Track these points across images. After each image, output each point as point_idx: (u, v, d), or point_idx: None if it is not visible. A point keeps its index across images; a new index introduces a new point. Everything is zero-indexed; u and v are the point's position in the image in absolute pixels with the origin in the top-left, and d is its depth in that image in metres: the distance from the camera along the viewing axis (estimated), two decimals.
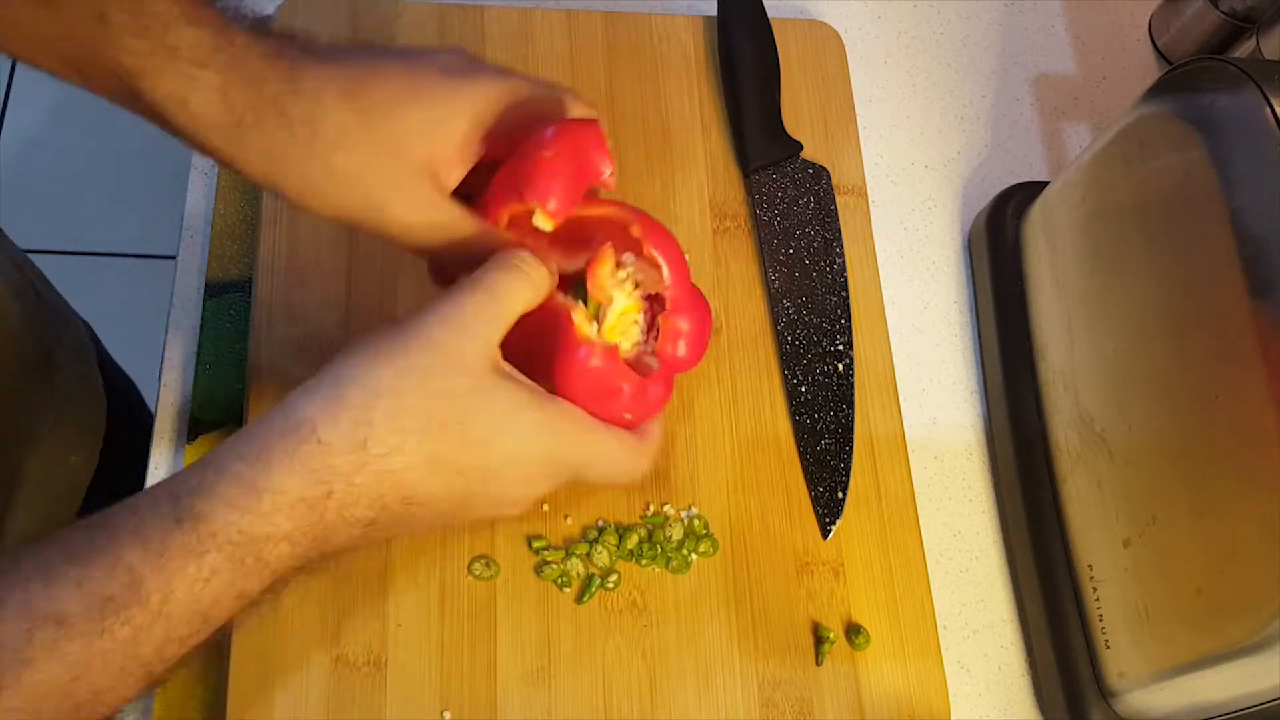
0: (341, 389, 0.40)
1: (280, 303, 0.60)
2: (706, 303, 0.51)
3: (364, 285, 0.62)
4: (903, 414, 0.64)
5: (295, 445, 0.39)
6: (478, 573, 0.56)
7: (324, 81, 0.44)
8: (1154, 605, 0.53)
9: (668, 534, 0.58)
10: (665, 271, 0.49)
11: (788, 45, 0.71)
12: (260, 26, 0.44)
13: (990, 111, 0.75)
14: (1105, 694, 0.57)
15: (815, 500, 0.61)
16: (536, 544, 0.57)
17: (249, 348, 0.60)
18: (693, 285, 0.51)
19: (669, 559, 0.58)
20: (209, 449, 0.59)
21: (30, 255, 0.72)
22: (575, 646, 0.56)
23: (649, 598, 0.57)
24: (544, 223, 0.46)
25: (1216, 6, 0.73)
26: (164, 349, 0.62)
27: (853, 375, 0.64)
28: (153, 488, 0.39)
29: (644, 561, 0.58)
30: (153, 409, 0.61)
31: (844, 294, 0.66)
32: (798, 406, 0.62)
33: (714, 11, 0.71)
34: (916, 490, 0.62)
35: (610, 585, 0.57)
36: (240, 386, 0.60)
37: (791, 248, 0.66)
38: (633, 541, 0.58)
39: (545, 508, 0.58)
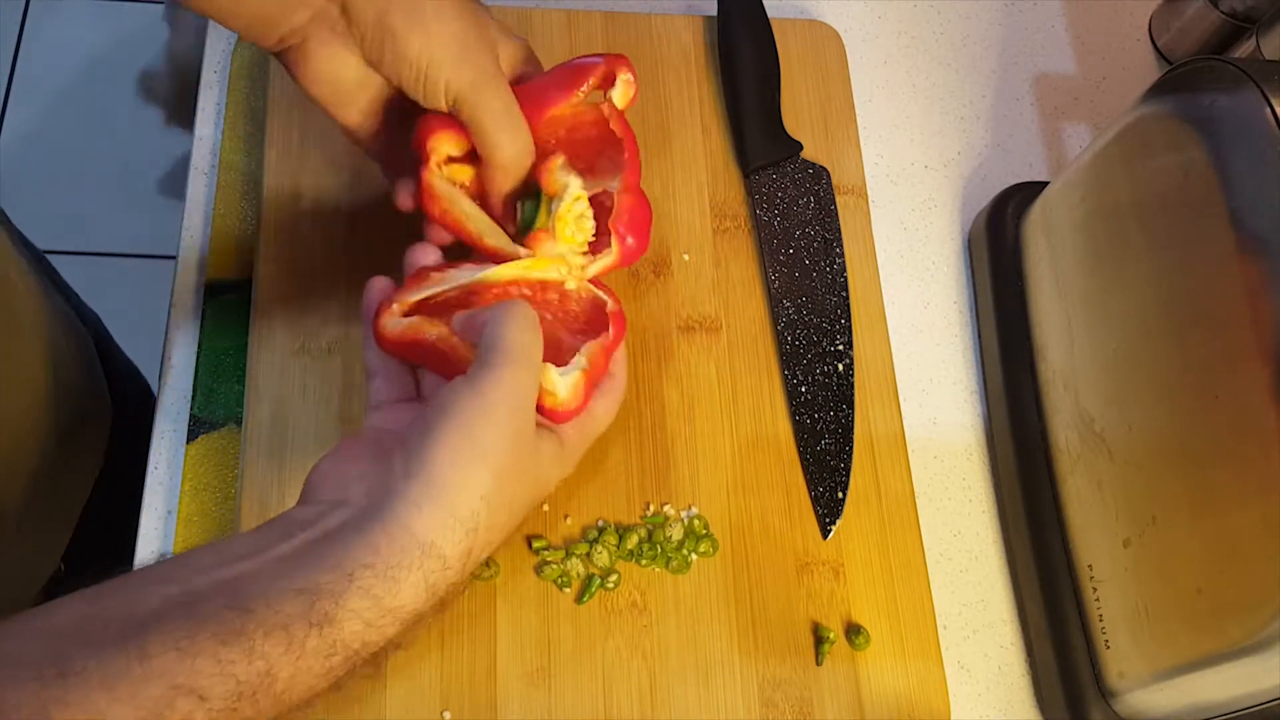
0: (450, 500, 0.42)
1: (280, 302, 0.60)
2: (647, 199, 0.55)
3: (364, 283, 0.61)
4: (903, 414, 0.64)
5: (422, 569, 0.41)
6: (477, 573, 0.56)
7: None
8: (1154, 605, 0.53)
9: (668, 534, 0.58)
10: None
11: (788, 45, 0.71)
12: None
13: (990, 111, 0.75)
14: (1105, 694, 0.57)
15: (815, 500, 0.61)
16: (536, 544, 0.57)
17: (249, 348, 0.60)
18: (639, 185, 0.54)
19: (669, 559, 0.58)
20: (209, 449, 0.59)
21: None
22: (575, 646, 0.56)
23: (649, 598, 0.57)
24: None
25: (1216, 6, 0.73)
26: (164, 349, 0.62)
27: (853, 375, 0.64)
28: (279, 562, 0.39)
29: (644, 561, 0.58)
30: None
31: (844, 294, 0.66)
32: (798, 406, 0.62)
33: (714, 11, 0.71)
34: (916, 490, 0.62)
35: (610, 585, 0.57)
36: (240, 386, 0.60)
37: (791, 248, 0.66)
38: (633, 541, 0.58)
39: (545, 508, 0.58)
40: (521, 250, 0.51)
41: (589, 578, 0.57)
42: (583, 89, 0.54)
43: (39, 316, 0.65)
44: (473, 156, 0.52)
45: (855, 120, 0.71)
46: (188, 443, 0.59)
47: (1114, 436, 0.56)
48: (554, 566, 0.57)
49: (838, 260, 0.67)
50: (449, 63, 0.49)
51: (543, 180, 0.51)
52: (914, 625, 0.59)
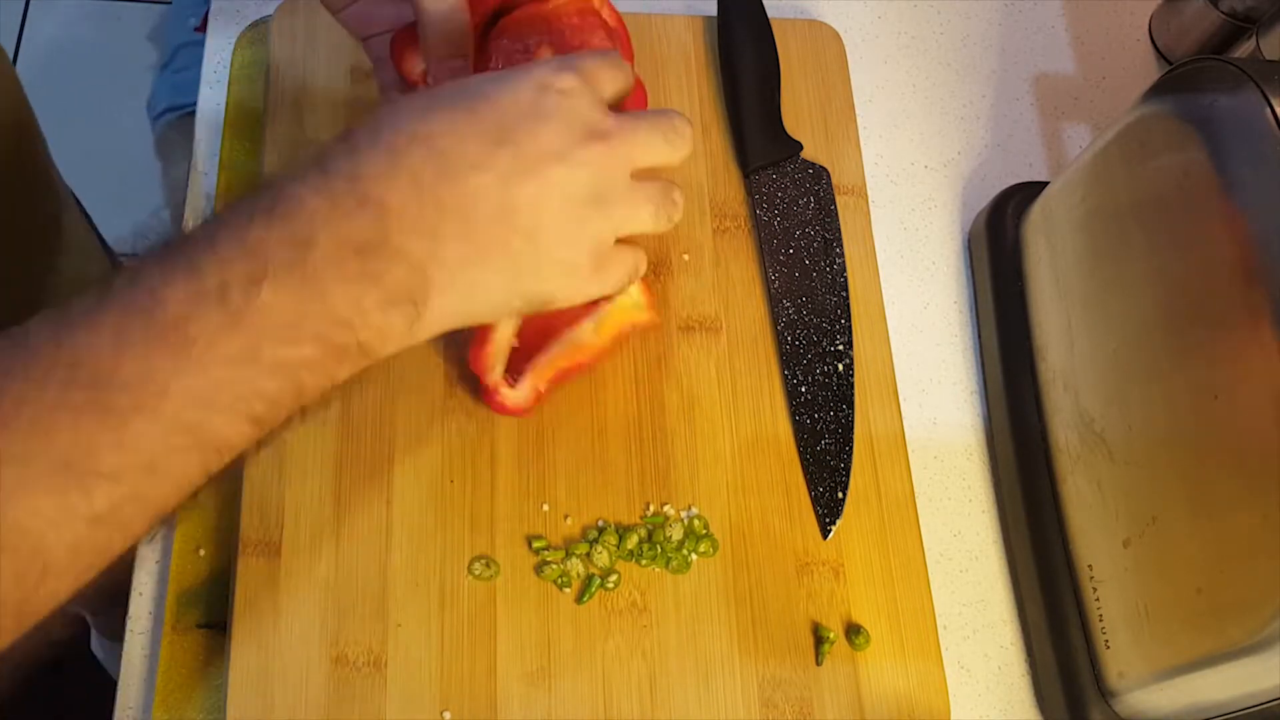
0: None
1: None
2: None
3: None
4: (903, 414, 0.64)
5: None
6: (478, 573, 0.56)
7: None
8: (1154, 605, 0.53)
9: (668, 534, 0.58)
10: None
11: (788, 45, 0.71)
12: None
13: (990, 111, 0.75)
14: (1105, 694, 0.57)
15: (815, 500, 0.61)
16: (536, 544, 0.57)
17: None
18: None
19: (669, 559, 0.58)
20: None
21: None
22: (575, 646, 0.56)
23: (649, 598, 0.57)
24: None
25: (1216, 6, 0.73)
26: None
27: (853, 375, 0.64)
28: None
29: (644, 561, 0.58)
30: None
31: (844, 294, 0.66)
32: (798, 406, 0.62)
33: (714, 11, 0.71)
34: (916, 490, 0.62)
35: (610, 585, 0.57)
36: None
37: (791, 248, 0.66)
38: (633, 541, 0.58)
39: (545, 508, 0.58)
40: None
41: (589, 578, 0.57)
42: None
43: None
44: None
45: (855, 120, 0.71)
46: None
47: (1114, 436, 0.56)
48: (554, 566, 0.57)
49: (838, 260, 0.66)
50: None
51: None
52: (914, 625, 0.59)
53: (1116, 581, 0.56)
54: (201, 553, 0.57)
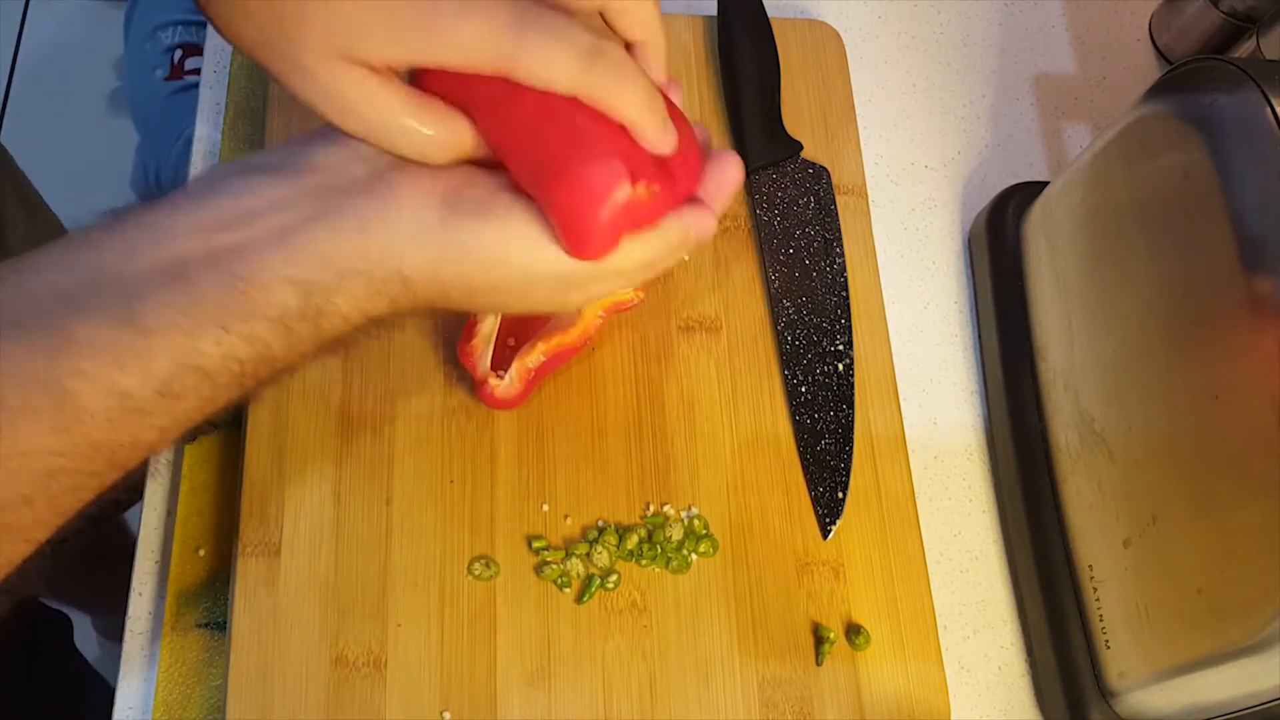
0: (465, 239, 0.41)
1: None
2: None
3: None
4: (903, 414, 0.64)
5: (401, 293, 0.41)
6: (477, 573, 0.56)
7: None
8: (1154, 605, 0.53)
9: (668, 534, 0.58)
10: None
11: (788, 45, 0.71)
12: None
13: (990, 111, 0.75)
14: (1105, 694, 0.57)
15: (815, 500, 0.61)
16: (536, 544, 0.57)
17: None
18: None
19: (669, 559, 0.58)
20: (209, 449, 0.59)
21: None
22: (575, 646, 0.56)
23: (649, 598, 0.57)
24: None
25: (1216, 6, 0.73)
26: None
27: (853, 375, 0.64)
28: (276, 239, 0.38)
29: (644, 561, 0.58)
30: None
31: (844, 294, 0.66)
32: (798, 406, 0.62)
33: (714, 11, 0.71)
34: (916, 490, 0.62)
35: (610, 585, 0.57)
36: None
37: (791, 248, 0.66)
38: (633, 541, 0.58)
39: (545, 508, 0.58)
40: None
41: (589, 578, 0.57)
42: None
43: None
44: None
45: (855, 120, 0.71)
46: (188, 443, 0.59)
47: (1114, 436, 0.56)
48: (554, 566, 0.57)
49: (838, 260, 0.66)
50: None
51: None
52: (914, 625, 0.59)
53: (1117, 581, 0.56)
54: (201, 553, 0.57)
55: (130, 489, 0.40)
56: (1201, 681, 0.51)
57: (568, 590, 0.57)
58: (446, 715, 0.54)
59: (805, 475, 0.61)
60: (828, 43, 0.72)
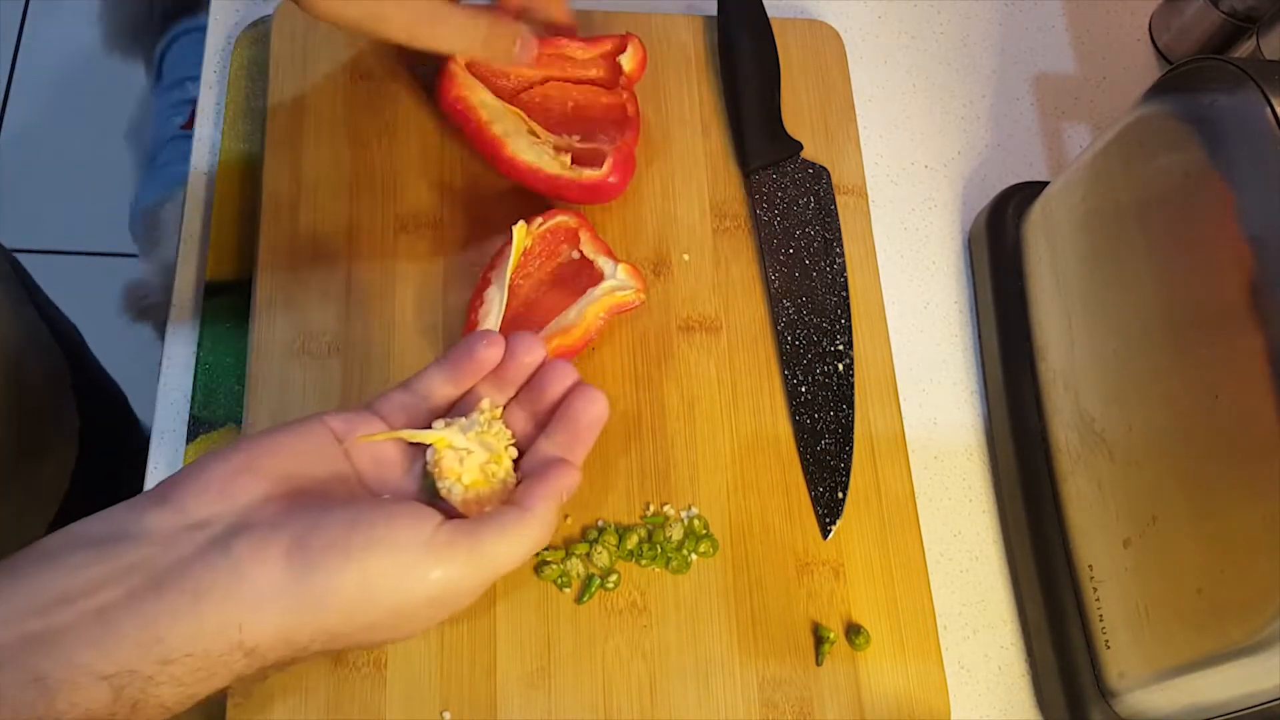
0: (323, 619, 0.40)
1: (280, 301, 0.60)
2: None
3: (364, 284, 0.62)
4: (903, 414, 0.64)
5: (242, 665, 0.39)
6: None
7: None
8: (1154, 605, 0.53)
9: (668, 534, 0.58)
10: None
11: (788, 45, 0.71)
12: None
13: (990, 111, 0.75)
14: (1105, 694, 0.56)
15: (815, 500, 0.61)
16: None
17: (249, 347, 0.60)
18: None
19: (669, 559, 0.58)
20: (208, 448, 0.59)
21: (26, 255, 0.72)
22: (575, 647, 0.56)
23: (649, 598, 0.57)
24: None
25: (1216, 6, 0.73)
26: (164, 349, 0.62)
27: (853, 375, 0.64)
28: (97, 619, 0.36)
29: (644, 561, 0.58)
30: (152, 409, 0.61)
31: (844, 294, 0.66)
32: (798, 406, 0.62)
33: (714, 11, 0.71)
34: (916, 490, 0.62)
35: (610, 585, 0.57)
36: (240, 387, 0.60)
37: (791, 248, 0.66)
38: (633, 541, 0.58)
39: None
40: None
41: (589, 578, 0.57)
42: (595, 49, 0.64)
43: (3, 336, 0.65)
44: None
45: (855, 120, 0.71)
46: (188, 443, 0.59)
47: (1114, 436, 0.56)
48: (554, 566, 0.57)
49: (838, 260, 0.66)
50: None
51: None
52: (914, 625, 0.59)
53: (1117, 581, 0.56)
54: None
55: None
56: (1201, 681, 0.51)
57: (568, 590, 0.57)
58: (446, 715, 0.54)
59: (805, 475, 0.61)
60: (827, 42, 0.72)
